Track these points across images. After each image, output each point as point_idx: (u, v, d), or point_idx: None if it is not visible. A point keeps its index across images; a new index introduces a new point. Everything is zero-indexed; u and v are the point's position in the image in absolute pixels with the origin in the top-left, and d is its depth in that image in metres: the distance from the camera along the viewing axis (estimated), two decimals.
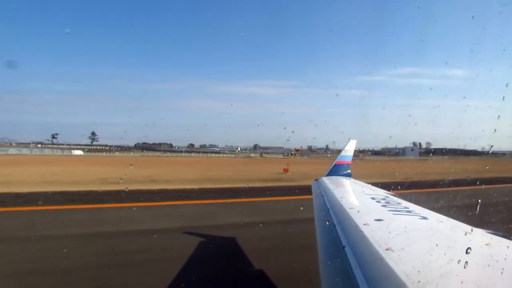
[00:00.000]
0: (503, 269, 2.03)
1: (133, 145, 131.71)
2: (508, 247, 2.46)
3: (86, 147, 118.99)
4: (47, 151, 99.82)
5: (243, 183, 24.12)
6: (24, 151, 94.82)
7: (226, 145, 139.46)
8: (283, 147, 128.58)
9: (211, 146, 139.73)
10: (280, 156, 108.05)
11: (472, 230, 2.90)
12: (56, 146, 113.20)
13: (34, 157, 72.61)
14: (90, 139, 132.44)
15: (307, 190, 7.20)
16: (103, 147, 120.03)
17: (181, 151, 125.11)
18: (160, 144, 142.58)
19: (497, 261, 2.16)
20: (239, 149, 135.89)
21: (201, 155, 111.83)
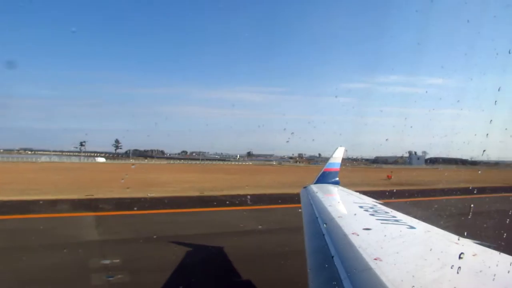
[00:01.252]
0: (493, 279, 2.04)
1: (123, 152, 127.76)
2: (493, 257, 2.48)
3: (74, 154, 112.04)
4: (74, 159, 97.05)
5: (372, 187, 25.35)
6: (54, 158, 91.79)
7: (220, 153, 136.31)
8: (273, 155, 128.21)
9: (202, 153, 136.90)
10: (287, 163, 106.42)
11: (459, 240, 2.92)
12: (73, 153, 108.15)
13: (94, 165, 70.75)
14: (114, 146, 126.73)
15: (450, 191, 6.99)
16: (96, 154, 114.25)
17: (179, 158, 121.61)
18: (152, 151, 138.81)
19: (481, 271, 2.18)
20: (238, 157, 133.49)
21: (220, 162, 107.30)
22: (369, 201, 5.52)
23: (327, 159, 9.00)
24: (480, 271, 2.17)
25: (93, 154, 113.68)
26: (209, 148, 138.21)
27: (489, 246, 2.75)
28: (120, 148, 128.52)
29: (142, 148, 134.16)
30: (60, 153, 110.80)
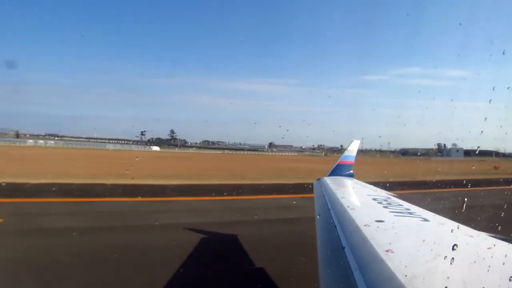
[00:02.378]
0: (506, 272, 2.01)
1: (146, 141, 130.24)
2: (508, 250, 2.44)
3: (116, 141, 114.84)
4: (127, 147, 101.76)
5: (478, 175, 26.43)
6: (109, 146, 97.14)
7: (238, 143, 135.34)
8: (292, 146, 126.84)
9: (219, 142, 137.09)
10: (306, 154, 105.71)
11: (473, 233, 2.88)
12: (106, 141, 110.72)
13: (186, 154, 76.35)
14: (140, 135, 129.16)
15: None
16: (125, 142, 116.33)
17: (203, 147, 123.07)
18: (173, 139, 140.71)
19: (494, 264, 2.14)
20: (266, 147, 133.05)
21: (256, 153, 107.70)
22: (383, 193, 5.47)
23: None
24: (494, 264, 2.14)
25: (142, 143, 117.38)
26: (228, 138, 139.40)
27: (504, 239, 2.70)
28: (143, 136, 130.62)
29: (164, 137, 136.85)
30: (107, 141, 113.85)
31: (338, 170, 8.09)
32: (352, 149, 8.68)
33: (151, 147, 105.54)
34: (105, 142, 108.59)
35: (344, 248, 2.53)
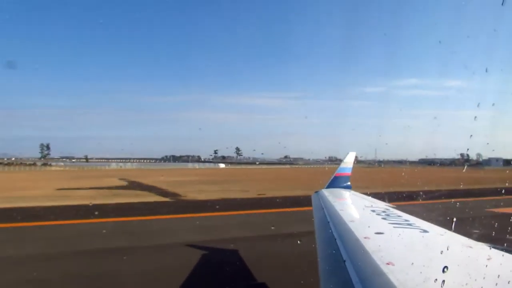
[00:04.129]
0: (508, 282, 2.02)
1: (160, 158, 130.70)
2: (508, 262, 2.45)
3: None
4: (209, 165, 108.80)
5: None
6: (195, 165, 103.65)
7: (248, 157, 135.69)
8: (302, 158, 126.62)
9: (230, 157, 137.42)
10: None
11: (472, 244, 2.88)
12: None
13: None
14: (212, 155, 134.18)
15: None
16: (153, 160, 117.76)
17: (218, 162, 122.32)
18: (187, 156, 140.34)
19: (495, 275, 2.15)
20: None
21: (280, 166, 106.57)
22: (381, 205, 5.47)
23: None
24: (494, 275, 2.14)
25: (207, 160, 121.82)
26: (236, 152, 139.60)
27: (505, 250, 2.71)
28: (216, 154, 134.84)
29: (178, 154, 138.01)
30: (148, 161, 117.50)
31: (336, 182, 8.10)
32: (349, 161, 8.74)
33: (219, 164, 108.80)
34: (141, 162, 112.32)
35: (345, 261, 2.51)
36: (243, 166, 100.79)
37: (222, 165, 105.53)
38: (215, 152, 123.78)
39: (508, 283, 2.04)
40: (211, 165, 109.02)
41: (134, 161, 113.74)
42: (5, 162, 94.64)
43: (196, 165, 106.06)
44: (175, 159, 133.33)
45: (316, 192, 7.07)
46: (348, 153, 8.98)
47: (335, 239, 3.16)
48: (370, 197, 6.55)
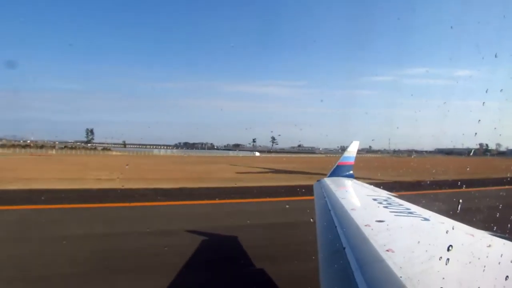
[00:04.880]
0: (504, 270, 2.02)
1: (173, 145, 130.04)
2: (507, 248, 2.44)
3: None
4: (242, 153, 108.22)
5: None
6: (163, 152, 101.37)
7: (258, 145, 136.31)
8: (314, 147, 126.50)
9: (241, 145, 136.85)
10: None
11: (473, 232, 2.88)
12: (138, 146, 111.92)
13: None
14: (251, 144, 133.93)
15: None
16: (154, 146, 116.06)
17: (231, 150, 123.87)
18: (201, 144, 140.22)
19: (494, 262, 2.15)
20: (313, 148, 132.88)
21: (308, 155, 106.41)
22: (383, 193, 5.47)
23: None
24: (493, 262, 2.14)
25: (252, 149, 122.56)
26: (247, 141, 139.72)
27: (504, 237, 2.70)
28: (254, 143, 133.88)
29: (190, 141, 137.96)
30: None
31: (338, 171, 8.10)
32: (352, 150, 8.71)
33: (255, 153, 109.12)
34: (155, 148, 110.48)
35: (344, 248, 2.53)
36: (282, 155, 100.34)
37: (257, 154, 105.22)
38: (254, 140, 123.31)
39: (508, 271, 2.03)
40: (247, 153, 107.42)
41: (159, 147, 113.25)
42: (70, 146, 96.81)
43: (235, 153, 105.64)
44: (188, 146, 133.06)
45: (318, 180, 7.08)
46: (351, 142, 8.95)
47: (336, 227, 3.18)
48: (372, 186, 6.54)
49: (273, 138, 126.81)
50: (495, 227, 3.09)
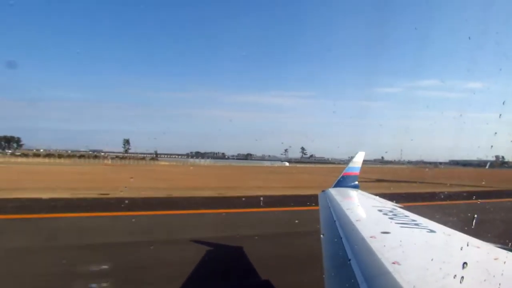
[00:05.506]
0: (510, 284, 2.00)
1: (185, 154, 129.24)
2: None
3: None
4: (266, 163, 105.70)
5: None
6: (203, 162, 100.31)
7: (268, 155, 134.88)
8: (323, 157, 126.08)
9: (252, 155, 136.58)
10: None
11: (480, 244, 2.85)
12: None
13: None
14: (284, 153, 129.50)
15: None
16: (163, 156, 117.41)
17: (241, 159, 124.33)
18: (212, 153, 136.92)
19: (502, 275, 2.12)
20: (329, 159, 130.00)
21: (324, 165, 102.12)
22: (388, 204, 5.43)
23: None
24: (501, 276, 2.12)
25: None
26: (256, 151, 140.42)
27: (510, 250, 2.67)
28: (287, 152, 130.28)
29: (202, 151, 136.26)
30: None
31: (343, 182, 8.06)
32: (358, 160, 8.68)
33: (285, 163, 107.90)
34: (169, 156, 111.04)
35: (350, 260, 2.52)
36: (310, 165, 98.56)
37: (286, 163, 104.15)
38: (286, 150, 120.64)
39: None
40: (275, 163, 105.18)
41: (173, 156, 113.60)
42: (120, 156, 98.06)
43: (269, 163, 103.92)
44: (199, 155, 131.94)
45: (323, 191, 7.05)
46: (357, 153, 8.92)
47: (341, 238, 3.17)
48: (377, 196, 6.50)
49: (303, 149, 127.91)
50: None
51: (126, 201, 15.99)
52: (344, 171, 8.39)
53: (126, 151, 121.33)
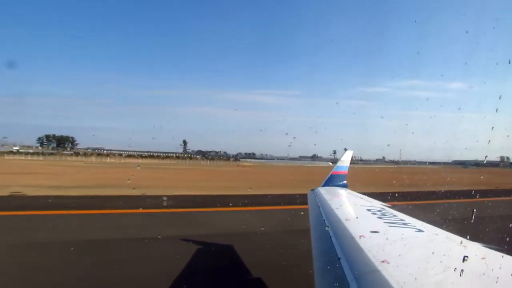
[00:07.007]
0: (496, 283, 2.03)
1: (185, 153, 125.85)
2: (499, 261, 2.47)
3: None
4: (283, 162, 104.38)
5: None
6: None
7: (270, 155, 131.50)
8: (321, 157, 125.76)
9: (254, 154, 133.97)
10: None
11: (467, 244, 2.91)
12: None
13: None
14: (182, 147, 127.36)
15: None
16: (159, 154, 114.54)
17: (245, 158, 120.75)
18: (215, 152, 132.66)
19: (486, 274, 2.17)
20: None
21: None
22: (377, 204, 5.49)
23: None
24: (485, 274, 2.16)
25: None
26: (258, 150, 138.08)
27: (496, 249, 2.73)
28: (189, 150, 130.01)
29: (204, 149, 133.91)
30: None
31: (332, 181, 8.11)
32: (346, 159, 8.75)
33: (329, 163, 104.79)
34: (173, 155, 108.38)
35: (339, 259, 2.52)
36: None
37: (331, 164, 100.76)
38: (334, 152, 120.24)
39: (499, 281, 2.05)
40: (298, 162, 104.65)
41: (177, 154, 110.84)
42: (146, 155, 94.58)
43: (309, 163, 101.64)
44: (200, 154, 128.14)
45: (312, 190, 7.07)
46: (345, 151, 8.99)
47: (331, 237, 3.17)
48: (366, 196, 6.57)
49: (334, 152, 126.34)
50: None
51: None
52: (333, 170, 8.44)
53: (185, 151, 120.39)
